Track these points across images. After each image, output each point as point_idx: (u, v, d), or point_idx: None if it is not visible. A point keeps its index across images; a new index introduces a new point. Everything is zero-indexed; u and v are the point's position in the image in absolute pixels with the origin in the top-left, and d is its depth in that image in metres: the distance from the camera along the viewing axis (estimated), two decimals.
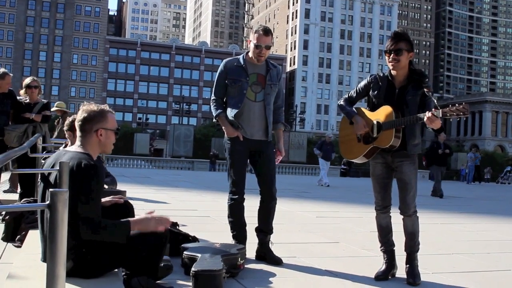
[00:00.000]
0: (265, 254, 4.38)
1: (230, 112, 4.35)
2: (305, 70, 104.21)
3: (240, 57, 4.44)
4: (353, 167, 41.07)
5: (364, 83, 4.08)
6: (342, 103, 4.15)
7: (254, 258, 4.41)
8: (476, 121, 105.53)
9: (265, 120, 4.38)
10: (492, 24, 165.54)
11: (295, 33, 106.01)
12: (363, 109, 4.05)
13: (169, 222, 3.09)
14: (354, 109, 4.08)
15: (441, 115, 3.53)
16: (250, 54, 4.37)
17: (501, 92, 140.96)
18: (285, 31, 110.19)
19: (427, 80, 3.85)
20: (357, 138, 4.04)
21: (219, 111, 4.40)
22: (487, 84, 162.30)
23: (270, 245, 4.44)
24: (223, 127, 4.41)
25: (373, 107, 3.99)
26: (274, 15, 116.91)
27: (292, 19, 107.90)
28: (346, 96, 4.19)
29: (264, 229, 4.43)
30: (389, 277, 3.98)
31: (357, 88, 4.12)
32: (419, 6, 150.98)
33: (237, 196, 4.37)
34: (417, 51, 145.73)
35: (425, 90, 3.77)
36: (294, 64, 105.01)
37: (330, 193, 15.09)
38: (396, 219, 4.13)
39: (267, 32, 4.29)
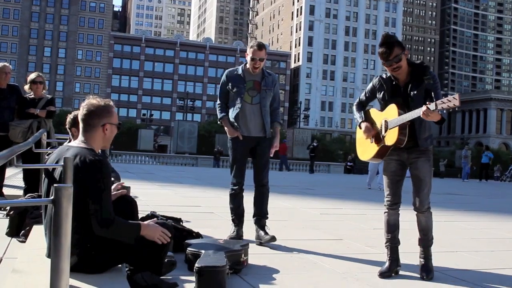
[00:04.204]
0: (260, 237, 4.97)
1: (231, 114, 5.06)
2: (310, 66, 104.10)
3: (239, 67, 5.14)
4: (358, 164, 41.05)
5: (370, 86, 4.15)
6: (354, 107, 4.27)
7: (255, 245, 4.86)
8: (481, 118, 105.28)
9: (261, 119, 5.06)
10: (498, 21, 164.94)
11: (300, 29, 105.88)
12: (373, 110, 4.12)
13: (168, 238, 3.07)
14: (363, 112, 4.15)
15: (435, 108, 3.54)
16: (248, 66, 5.05)
17: (506, 90, 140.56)
18: (290, 27, 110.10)
19: (429, 71, 3.88)
20: (370, 139, 4.09)
21: (222, 114, 5.14)
22: (492, 81, 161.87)
23: (266, 229, 5.03)
24: (225, 128, 5.10)
25: (383, 107, 4.05)
26: (279, 11, 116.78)
27: (297, 16, 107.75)
28: (358, 99, 4.27)
29: (259, 213, 5.10)
30: (393, 274, 3.98)
31: (366, 91, 4.20)
32: (424, 3, 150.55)
33: (237, 187, 5.12)
34: (422, 48, 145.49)
35: (425, 82, 3.81)
36: (298, 61, 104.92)
37: (334, 190, 15.09)
38: (404, 216, 4.16)
39: (260, 47, 4.98)
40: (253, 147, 5.10)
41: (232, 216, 5.17)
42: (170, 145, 60.41)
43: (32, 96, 7.06)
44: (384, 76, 4.04)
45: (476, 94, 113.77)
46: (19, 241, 4.34)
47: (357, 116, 4.17)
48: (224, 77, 5.14)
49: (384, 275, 3.94)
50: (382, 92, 4.00)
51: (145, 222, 3.06)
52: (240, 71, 5.07)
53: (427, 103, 3.59)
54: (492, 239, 6.47)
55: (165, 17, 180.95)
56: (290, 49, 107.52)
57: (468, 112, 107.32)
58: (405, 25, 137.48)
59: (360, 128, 4.11)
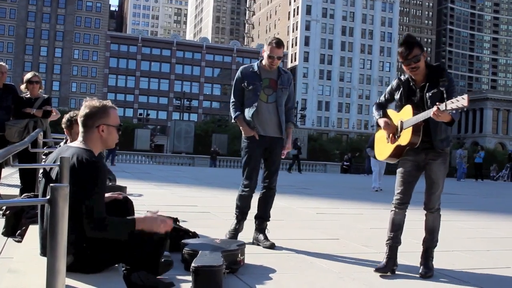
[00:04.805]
0: (259, 240, 4.90)
1: (248, 112, 4.90)
2: (306, 66, 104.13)
3: (255, 64, 5.00)
4: (354, 164, 41.07)
5: (389, 88, 4.23)
6: (373, 108, 4.31)
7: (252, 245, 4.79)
8: (477, 118, 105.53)
9: (277, 118, 4.93)
10: (494, 21, 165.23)
11: (296, 29, 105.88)
12: (390, 111, 4.20)
13: (171, 224, 3.12)
14: (381, 112, 4.19)
15: (445, 108, 3.59)
16: (264, 62, 4.92)
17: (502, 90, 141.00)
18: (287, 27, 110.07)
19: (445, 73, 3.92)
20: (386, 139, 4.16)
21: (237, 113, 4.97)
22: (488, 81, 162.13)
23: (266, 232, 4.97)
24: (240, 127, 4.95)
25: (400, 108, 4.12)
26: (276, 11, 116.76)
27: (294, 16, 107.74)
28: (378, 101, 4.34)
29: (262, 216, 5.01)
30: (389, 273, 3.99)
31: (385, 94, 4.27)
32: (420, 3, 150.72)
33: (248, 189, 4.96)
34: None
35: (440, 84, 3.86)
36: (295, 60, 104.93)
37: (331, 190, 15.10)
38: (409, 216, 4.20)
39: (279, 45, 4.86)
40: (266, 148, 4.95)
41: (236, 213, 5.05)
42: (166, 145, 60.28)
43: (29, 95, 7.04)
44: (402, 77, 4.11)
45: (473, 94, 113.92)
46: (15, 241, 4.33)
47: (376, 114, 4.21)
48: (239, 73, 4.99)
49: (380, 270, 3.97)
50: (399, 93, 4.08)
51: (141, 216, 3.05)
52: (255, 68, 4.94)
53: (437, 103, 3.64)
54: (489, 238, 6.49)
55: (161, 16, 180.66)
56: (287, 49, 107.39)
57: (464, 112, 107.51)
58: (402, 25, 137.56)
59: (379, 125, 4.14)
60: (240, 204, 5.01)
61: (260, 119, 4.88)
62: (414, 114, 3.87)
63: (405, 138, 3.95)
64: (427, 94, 3.91)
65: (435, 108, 3.62)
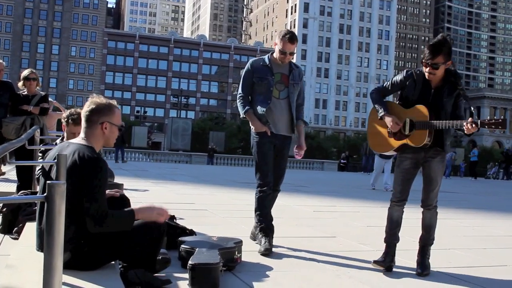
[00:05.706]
0: (257, 238, 4.66)
1: (260, 108, 4.57)
2: (304, 64, 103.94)
3: (266, 57, 4.70)
4: (351, 162, 41.12)
5: (400, 78, 4.08)
6: (374, 95, 4.16)
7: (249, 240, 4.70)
8: (474, 117, 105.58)
9: (290, 116, 4.65)
10: (491, 19, 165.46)
11: (294, 27, 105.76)
12: (395, 104, 4.11)
13: (168, 214, 3.16)
14: (386, 107, 4.07)
15: (479, 126, 3.66)
16: (275, 55, 4.65)
17: (499, 88, 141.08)
18: (284, 25, 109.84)
19: (461, 81, 3.94)
20: (388, 133, 4.09)
21: (247, 107, 4.63)
22: (485, 79, 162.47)
23: None
24: (251, 123, 4.62)
25: (405, 103, 4.04)
26: (273, 8, 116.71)
27: (291, 13, 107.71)
28: (380, 87, 4.19)
29: None
30: (385, 267, 4.00)
31: (393, 81, 4.13)
32: (418, 1, 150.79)
33: (266, 188, 4.56)
34: (416, 46, 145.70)
35: (460, 92, 3.88)
36: (292, 58, 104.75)
37: (328, 188, 15.11)
38: (405, 215, 4.22)
39: (292, 39, 4.59)
40: (276, 146, 4.65)
41: (260, 224, 4.59)
42: (164, 142, 60.35)
43: (26, 93, 7.04)
44: (417, 71, 4.03)
45: (470, 92, 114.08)
46: (12, 238, 4.32)
47: (379, 108, 4.05)
48: (248, 66, 4.68)
49: (378, 263, 4.01)
50: (412, 88, 3.99)
51: (137, 207, 3.08)
52: (267, 61, 4.65)
53: (472, 119, 3.68)
54: (485, 236, 6.50)
55: (159, 14, 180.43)
56: None
57: None
58: (399, 23, 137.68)
59: (382, 119, 4.03)
60: (260, 210, 4.60)
61: (272, 116, 4.58)
62: (430, 117, 3.84)
63: (418, 139, 3.89)
64: (443, 98, 3.90)
65: (470, 124, 3.64)
